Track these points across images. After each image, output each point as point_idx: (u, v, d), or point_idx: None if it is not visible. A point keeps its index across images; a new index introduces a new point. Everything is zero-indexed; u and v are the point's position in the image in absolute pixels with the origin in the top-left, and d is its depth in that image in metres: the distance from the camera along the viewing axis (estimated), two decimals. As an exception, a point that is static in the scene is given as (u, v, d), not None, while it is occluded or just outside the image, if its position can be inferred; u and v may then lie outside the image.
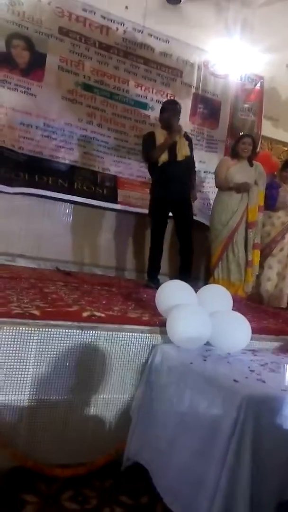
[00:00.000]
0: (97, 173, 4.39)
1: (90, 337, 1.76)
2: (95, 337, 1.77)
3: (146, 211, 4.47)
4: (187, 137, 3.54)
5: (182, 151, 3.41)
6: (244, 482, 1.23)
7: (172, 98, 4.74)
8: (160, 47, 4.68)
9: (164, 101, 4.13)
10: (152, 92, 4.69)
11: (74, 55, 4.31)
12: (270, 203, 3.87)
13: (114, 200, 4.40)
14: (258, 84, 5.21)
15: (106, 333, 1.80)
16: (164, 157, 3.35)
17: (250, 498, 1.23)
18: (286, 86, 5.41)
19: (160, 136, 3.40)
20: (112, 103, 4.49)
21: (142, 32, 4.59)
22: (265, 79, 5.22)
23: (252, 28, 5.05)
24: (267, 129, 5.29)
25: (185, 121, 4.74)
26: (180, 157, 3.41)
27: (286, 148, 5.40)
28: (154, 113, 4.66)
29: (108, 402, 1.79)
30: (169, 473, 1.49)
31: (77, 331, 1.74)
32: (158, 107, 4.64)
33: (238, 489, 1.23)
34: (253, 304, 3.47)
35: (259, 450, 1.28)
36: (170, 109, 3.48)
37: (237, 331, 1.91)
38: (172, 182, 3.38)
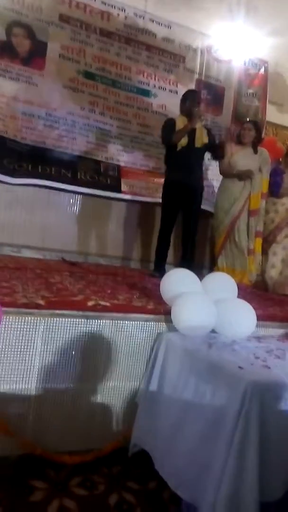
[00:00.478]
0: (100, 163, 4.37)
1: (95, 326, 1.77)
2: (100, 326, 1.79)
3: (150, 199, 4.48)
4: (207, 129, 3.59)
5: (201, 139, 3.46)
6: (251, 467, 1.24)
7: (175, 84, 4.69)
8: (162, 32, 4.61)
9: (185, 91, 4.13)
10: (155, 79, 4.63)
11: (75, 43, 4.26)
12: (274, 190, 3.84)
13: (118, 190, 4.38)
14: (262, 69, 5.12)
15: (111, 321, 1.81)
16: (183, 141, 3.39)
17: (257, 482, 1.25)
18: (290, 71, 5.32)
19: (181, 123, 3.44)
20: (114, 91, 4.44)
21: (143, 18, 4.51)
22: (269, 64, 5.13)
23: (256, 11, 4.94)
24: (272, 115, 5.21)
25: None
26: (198, 144, 3.45)
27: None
28: (156, 101, 4.62)
29: (114, 389, 1.81)
30: (174, 458, 1.51)
31: (82, 320, 1.75)
32: (161, 94, 4.63)
33: (245, 473, 1.24)
34: (258, 292, 3.47)
35: (265, 435, 1.29)
36: (191, 98, 3.56)
37: (242, 319, 1.91)
38: (188, 168, 3.44)
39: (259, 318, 2.00)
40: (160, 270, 3.35)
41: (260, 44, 4.95)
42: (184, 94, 3.75)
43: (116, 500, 1.54)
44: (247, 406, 1.28)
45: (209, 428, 1.39)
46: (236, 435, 1.26)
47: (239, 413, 1.28)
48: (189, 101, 3.52)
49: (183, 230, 3.60)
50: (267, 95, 5.14)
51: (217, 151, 3.65)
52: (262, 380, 1.37)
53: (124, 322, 1.85)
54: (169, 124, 3.50)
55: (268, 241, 3.81)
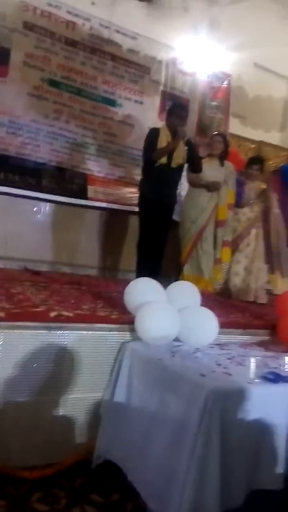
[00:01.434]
0: (65, 170, 4.34)
1: (58, 337, 1.74)
2: (63, 337, 1.76)
3: (117, 207, 4.48)
4: (189, 143, 3.52)
5: (177, 159, 3.43)
6: (213, 473, 1.26)
7: (140, 95, 4.74)
8: (127, 43, 4.66)
9: (173, 103, 4.14)
10: (120, 89, 4.66)
11: (40, 51, 4.23)
12: (236, 200, 3.94)
13: (84, 197, 4.36)
14: (226, 82, 5.27)
15: (74, 332, 1.79)
16: (162, 159, 3.38)
17: (219, 488, 1.26)
18: (253, 84, 5.50)
19: (164, 138, 3.40)
20: (79, 100, 4.43)
21: (109, 28, 4.55)
22: (232, 77, 5.29)
23: (219, 26, 5.10)
24: (235, 127, 5.36)
25: (153, 119, 4.75)
26: (173, 164, 3.43)
27: (253, 146, 5.50)
28: (122, 110, 4.65)
29: (77, 401, 1.78)
30: (145, 468, 1.50)
31: (44, 332, 1.71)
32: (127, 104, 4.67)
33: (207, 479, 1.25)
34: (221, 299, 3.53)
35: (226, 441, 1.31)
36: (177, 114, 3.47)
37: (204, 326, 1.93)
38: (165, 185, 3.45)
39: (222, 325, 2.03)
40: None
41: (224, 58, 5.10)
42: (172, 107, 3.71)
43: (78, 515, 1.50)
44: (209, 413, 1.29)
45: (174, 436, 1.40)
46: (198, 442, 1.27)
47: (201, 420, 1.29)
48: (175, 117, 3.45)
49: (152, 241, 3.61)
50: (230, 108, 5.28)
51: (196, 166, 3.61)
52: (223, 386, 1.39)
53: (87, 332, 1.83)
54: (152, 136, 3.44)
55: (231, 250, 3.89)
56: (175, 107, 3.73)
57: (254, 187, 4.02)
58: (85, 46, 4.45)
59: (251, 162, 4.12)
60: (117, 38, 4.61)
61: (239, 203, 3.94)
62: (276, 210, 4.00)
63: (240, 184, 3.98)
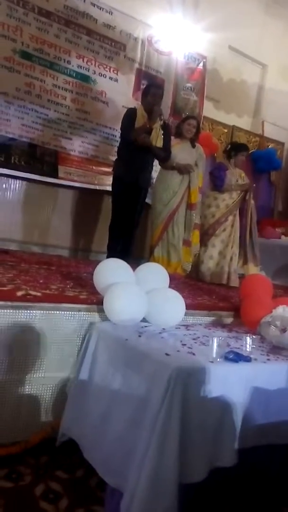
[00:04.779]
0: (36, 147, 4.22)
1: (24, 316, 1.73)
2: (30, 317, 1.75)
3: (88, 186, 4.42)
4: (165, 125, 3.48)
5: (154, 141, 3.38)
6: (172, 449, 1.30)
7: (115, 72, 4.65)
8: (103, 18, 4.52)
9: (148, 83, 4.05)
10: (95, 65, 4.54)
11: (12, 20, 4.04)
12: (218, 184, 3.95)
13: (55, 176, 4.27)
14: (201, 64, 5.22)
15: (41, 312, 1.79)
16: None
17: (178, 464, 1.31)
18: (227, 68, 5.49)
19: (140, 117, 3.36)
20: (52, 73, 4.29)
21: (84, 1, 4.40)
22: (207, 60, 5.25)
23: (196, 6, 5.03)
24: (209, 110, 5.35)
25: (128, 97, 4.68)
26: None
27: (225, 130, 5.52)
28: (96, 87, 4.54)
29: (44, 380, 1.79)
30: (102, 445, 1.53)
31: (10, 311, 1.70)
32: (101, 80, 4.57)
33: (166, 455, 1.30)
34: (191, 281, 3.58)
35: (187, 418, 1.35)
36: (152, 93, 3.43)
37: (171, 308, 1.97)
38: (140, 166, 3.43)
39: (189, 307, 2.08)
40: None
41: (200, 39, 5.05)
42: (147, 86, 3.67)
43: (42, 490, 1.53)
44: (171, 391, 1.33)
45: (136, 414, 1.43)
46: (160, 419, 1.31)
47: (164, 398, 1.33)
48: (150, 97, 3.42)
49: (125, 222, 3.61)
50: (205, 90, 5.26)
51: (166, 152, 3.53)
52: (186, 365, 1.43)
53: (55, 312, 1.83)
54: (130, 116, 3.39)
55: (208, 234, 3.94)
56: (151, 86, 3.68)
57: (235, 173, 4.04)
58: (59, 18, 4.28)
59: (242, 149, 4.11)
60: (93, 11, 4.46)
61: (221, 187, 3.95)
62: (251, 200, 4.06)
63: (222, 169, 3.99)
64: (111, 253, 3.44)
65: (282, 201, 6.00)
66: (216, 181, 3.96)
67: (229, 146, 4.28)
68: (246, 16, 5.21)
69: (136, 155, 3.38)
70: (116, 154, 3.71)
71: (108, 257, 3.42)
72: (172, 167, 3.76)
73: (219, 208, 3.98)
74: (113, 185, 3.63)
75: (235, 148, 4.13)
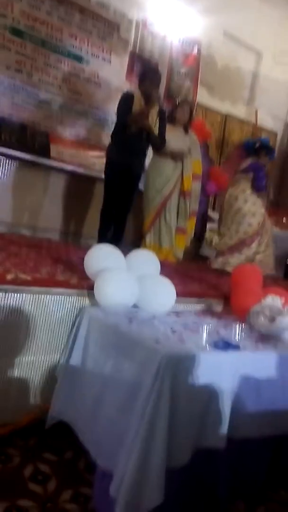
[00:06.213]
0: (27, 127, 4.13)
1: (14, 300, 1.72)
2: (20, 300, 1.74)
3: (81, 170, 4.36)
4: (161, 112, 3.44)
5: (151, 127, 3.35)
6: (160, 433, 1.33)
7: (108, 53, 4.55)
8: (97, -4, 4.41)
9: (145, 68, 3.96)
10: (88, 44, 4.42)
11: (2, -6, 3.91)
12: (260, 185, 3.79)
13: (47, 156, 4.20)
14: (195, 49, 5.15)
15: (31, 295, 1.78)
16: (134, 127, 3.28)
17: (166, 447, 1.34)
18: (222, 54, 5.41)
19: (137, 103, 3.29)
20: (44, 52, 4.16)
21: (78, -22, 4.27)
22: (202, 45, 5.17)
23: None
24: (202, 97, 5.28)
25: (121, 79, 4.59)
26: (145, 134, 3.36)
27: (219, 118, 5.48)
28: (89, 68, 4.44)
29: (33, 363, 1.79)
30: (95, 428, 1.56)
31: (0, 294, 1.68)
32: (94, 61, 4.46)
33: (154, 440, 1.33)
34: (181, 269, 3.57)
35: (176, 403, 1.38)
36: (149, 78, 3.36)
37: (162, 295, 1.98)
38: (134, 152, 3.38)
39: (179, 294, 2.09)
40: None
41: (194, 24, 4.96)
42: (144, 72, 3.60)
43: (31, 472, 1.55)
44: (161, 377, 1.35)
45: (126, 399, 1.46)
46: (149, 405, 1.34)
47: (153, 384, 1.35)
48: (148, 82, 3.34)
49: (116, 208, 3.58)
50: (199, 76, 5.20)
51: (162, 139, 3.50)
52: (176, 352, 1.46)
53: (45, 296, 1.82)
54: (126, 100, 3.32)
55: (246, 243, 3.80)
56: (148, 71, 3.61)
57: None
58: (52, -7, 4.15)
59: (272, 152, 4.08)
60: (86, -12, 4.34)
61: (264, 187, 3.85)
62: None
63: (260, 168, 3.86)
64: (102, 238, 3.43)
65: (274, 191, 6.03)
66: (258, 182, 3.79)
67: (258, 144, 4.06)
68: (242, 1, 5.13)
69: (130, 140, 3.33)
70: (110, 138, 3.66)
71: (98, 242, 3.41)
72: (165, 154, 3.73)
73: (255, 217, 3.81)
74: (105, 169, 3.58)
75: (266, 148, 3.99)
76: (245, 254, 3.78)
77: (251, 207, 3.79)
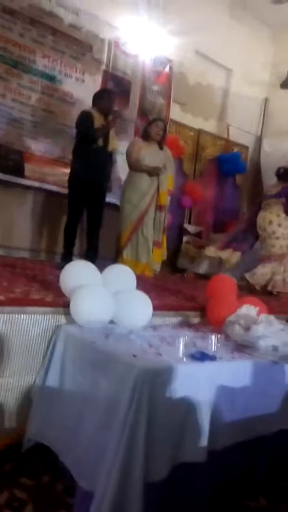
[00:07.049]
0: (0, 146, 4.12)
1: (-12, 320, 1.69)
2: (-6, 320, 1.70)
3: (55, 188, 4.35)
4: (115, 115, 3.63)
5: (112, 144, 3.57)
6: (139, 449, 1.31)
7: (81, 73, 4.62)
8: (69, 18, 4.47)
9: (99, 90, 4.20)
10: (61, 65, 4.49)
11: (-27, 17, 3.94)
12: None
13: (21, 175, 4.19)
14: (167, 67, 5.28)
15: (5, 315, 1.74)
16: (99, 142, 3.45)
17: (144, 462, 1.31)
18: (193, 72, 5.56)
19: (97, 120, 3.47)
20: (17, 73, 4.20)
21: (50, 1, 4.34)
22: (174, 63, 5.31)
23: (164, 9, 5.06)
24: (175, 113, 5.40)
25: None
26: (110, 148, 3.56)
27: (192, 133, 5.59)
28: (62, 87, 4.49)
29: (8, 385, 1.75)
30: (76, 448, 1.52)
31: (-28, 315, 1.65)
32: (67, 81, 4.52)
33: (133, 456, 1.30)
34: (158, 282, 3.58)
35: (154, 417, 1.37)
36: (107, 97, 3.64)
37: (138, 309, 1.97)
38: (99, 167, 3.49)
39: (156, 308, 2.08)
40: (68, 262, 3.30)
41: (166, 43, 5.09)
42: (99, 92, 3.80)
43: (6, 498, 1.49)
44: (139, 392, 1.34)
45: (106, 416, 1.43)
46: (128, 421, 1.32)
47: (131, 399, 1.34)
48: (106, 101, 3.59)
49: (88, 223, 3.61)
50: (172, 94, 5.31)
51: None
52: (153, 365, 1.45)
53: (19, 315, 1.79)
54: (89, 118, 3.47)
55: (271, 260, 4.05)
56: (103, 91, 3.87)
57: None
58: (24, 16, 4.20)
59: None
60: (58, 11, 4.41)
61: None
62: None
63: None
64: (66, 254, 3.50)
65: (246, 203, 6.14)
66: None
67: (283, 170, 4.26)
68: (212, 20, 5.30)
69: (95, 153, 3.45)
70: (72, 154, 3.69)
71: (62, 259, 3.43)
72: (142, 170, 3.78)
73: (278, 239, 4.05)
74: (69, 185, 3.62)
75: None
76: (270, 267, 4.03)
77: (284, 231, 4.06)
